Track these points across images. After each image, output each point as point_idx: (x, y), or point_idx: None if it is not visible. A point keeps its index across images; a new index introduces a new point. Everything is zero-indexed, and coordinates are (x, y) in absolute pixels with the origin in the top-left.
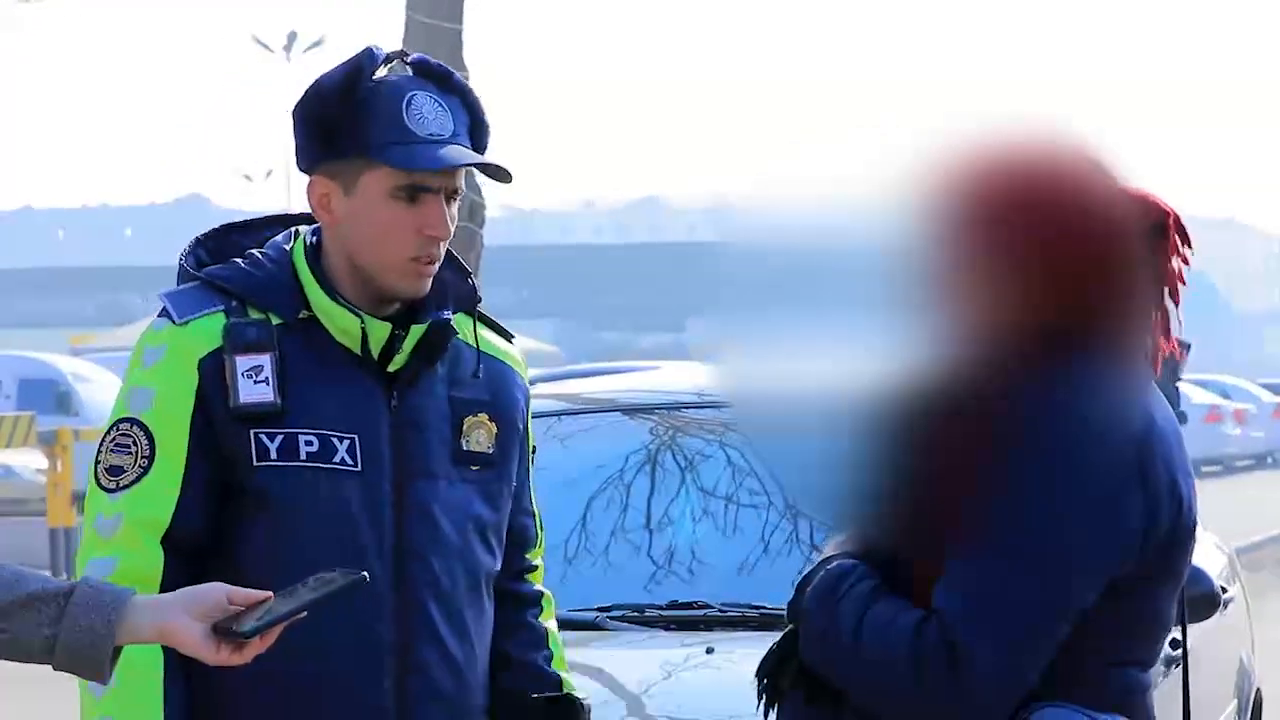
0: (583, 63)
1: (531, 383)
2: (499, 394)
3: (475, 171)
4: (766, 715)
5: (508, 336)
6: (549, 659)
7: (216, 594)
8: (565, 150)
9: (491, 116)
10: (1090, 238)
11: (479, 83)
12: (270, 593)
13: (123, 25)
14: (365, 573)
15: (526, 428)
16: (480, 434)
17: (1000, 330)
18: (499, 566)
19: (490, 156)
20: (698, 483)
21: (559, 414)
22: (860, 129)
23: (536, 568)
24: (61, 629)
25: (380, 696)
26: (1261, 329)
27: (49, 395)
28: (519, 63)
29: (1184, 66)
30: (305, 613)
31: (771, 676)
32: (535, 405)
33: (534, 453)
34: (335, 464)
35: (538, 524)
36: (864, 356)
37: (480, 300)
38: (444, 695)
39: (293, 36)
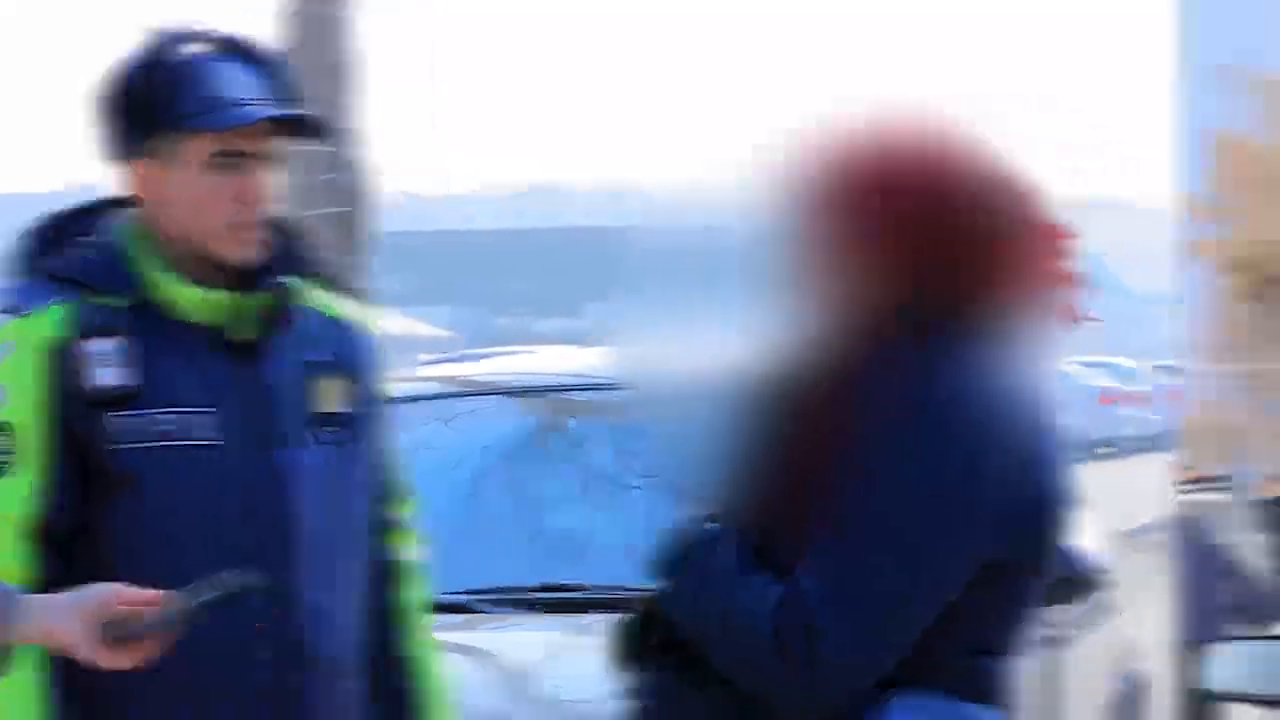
0: (478, 48)
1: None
2: (347, 354)
3: (365, 155)
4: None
5: (352, 296)
6: (398, 641)
7: (106, 594)
8: (461, 136)
9: (384, 102)
10: (950, 220)
11: (374, 69)
12: (163, 593)
13: (13, 10)
14: (260, 574)
15: (380, 384)
16: (333, 395)
17: (860, 312)
18: (366, 525)
19: (377, 137)
20: (580, 465)
21: (443, 396)
22: (737, 109)
23: (403, 523)
24: None
25: (258, 669)
26: (1160, 310)
27: None
28: (414, 49)
29: (1054, 54)
30: (198, 615)
31: (632, 637)
32: (419, 388)
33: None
34: (193, 440)
35: (403, 478)
36: (737, 339)
37: (319, 263)
38: (319, 659)
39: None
